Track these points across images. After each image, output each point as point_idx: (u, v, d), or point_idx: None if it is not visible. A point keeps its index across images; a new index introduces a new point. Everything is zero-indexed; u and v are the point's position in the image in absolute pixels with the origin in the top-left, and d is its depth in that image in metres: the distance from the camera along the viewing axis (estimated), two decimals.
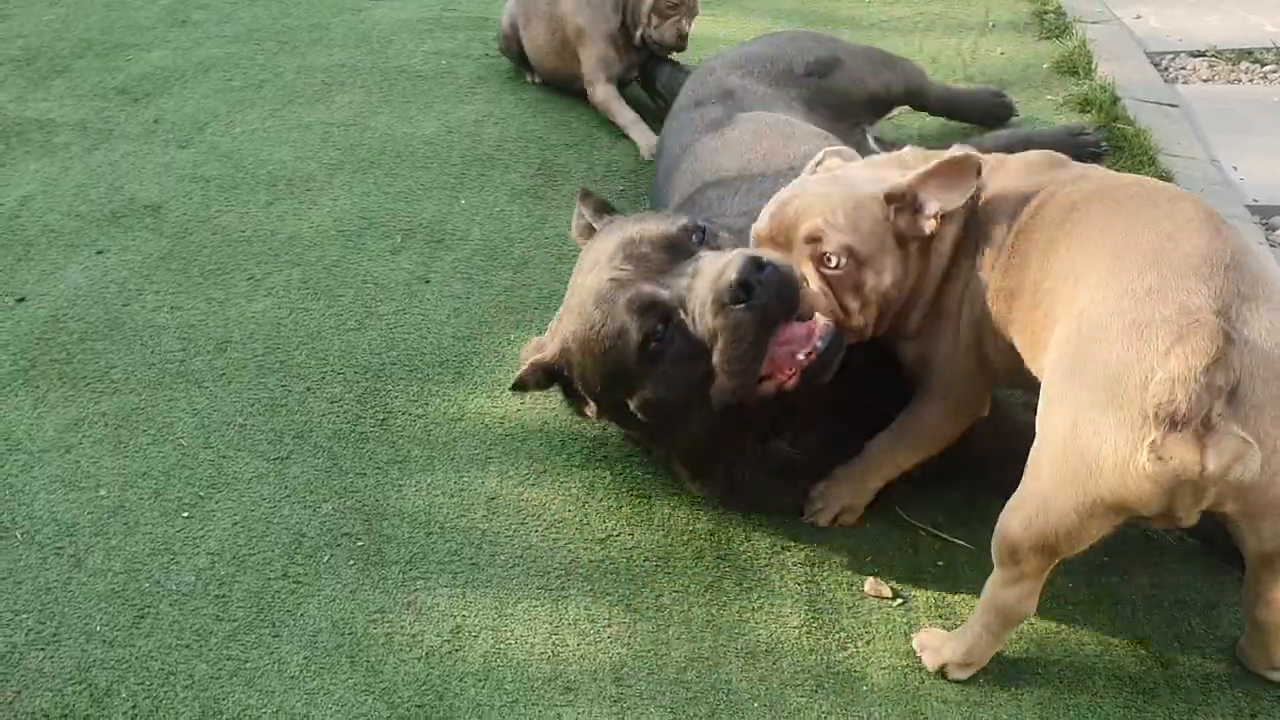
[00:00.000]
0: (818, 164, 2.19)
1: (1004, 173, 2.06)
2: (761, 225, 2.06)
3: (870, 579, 2.18)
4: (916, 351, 2.14)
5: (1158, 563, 2.20)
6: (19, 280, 3.09)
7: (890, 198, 1.99)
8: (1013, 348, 1.97)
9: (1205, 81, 3.98)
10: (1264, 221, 3.18)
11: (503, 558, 2.25)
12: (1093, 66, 3.99)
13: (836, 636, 2.08)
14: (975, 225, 2.03)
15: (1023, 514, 1.80)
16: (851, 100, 3.21)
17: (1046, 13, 4.52)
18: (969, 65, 4.12)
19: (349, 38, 4.51)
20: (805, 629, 2.09)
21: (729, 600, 2.15)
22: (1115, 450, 1.65)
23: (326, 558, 2.24)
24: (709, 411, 2.10)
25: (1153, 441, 1.61)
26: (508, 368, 2.71)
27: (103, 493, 2.41)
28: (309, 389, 2.68)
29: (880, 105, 3.37)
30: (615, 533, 2.30)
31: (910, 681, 2.00)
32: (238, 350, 2.81)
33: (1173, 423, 1.59)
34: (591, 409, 2.26)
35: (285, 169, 3.57)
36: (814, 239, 1.99)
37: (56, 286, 3.06)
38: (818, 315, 2.01)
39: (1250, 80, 3.97)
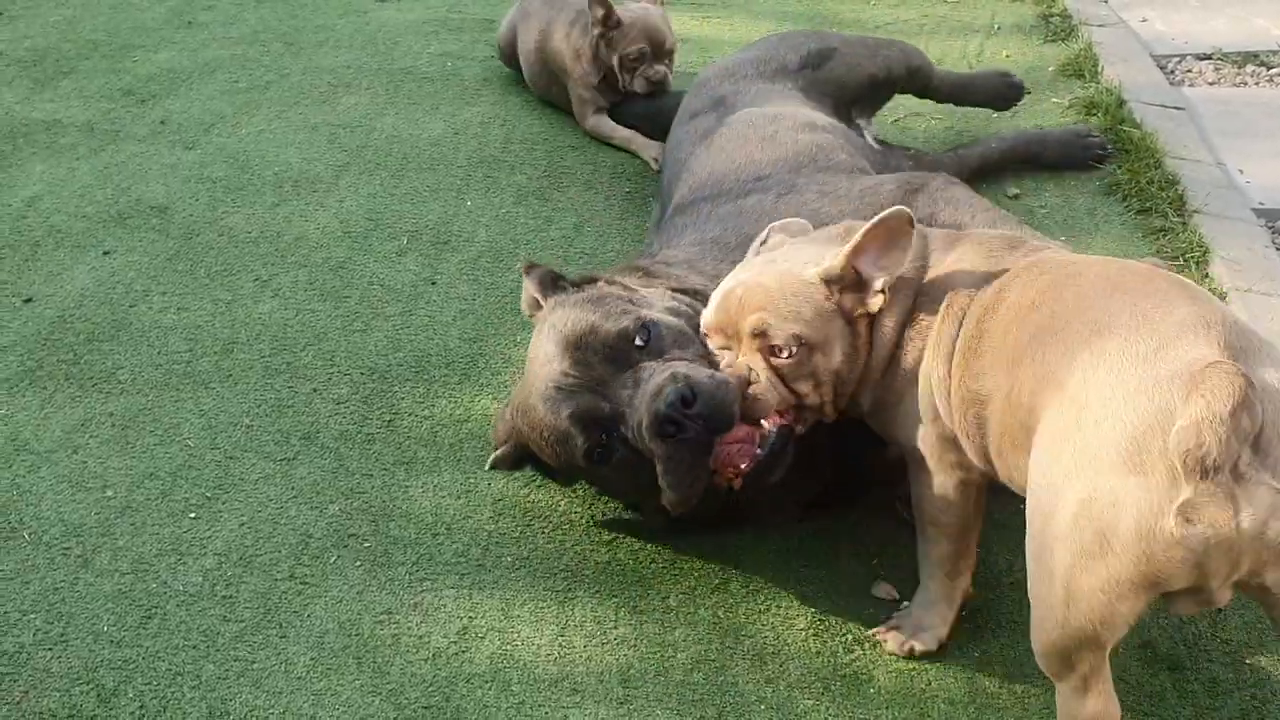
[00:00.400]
0: (762, 243, 2.15)
1: (957, 253, 1.99)
2: (708, 318, 2.05)
3: (877, 582, 2.18)
4: (881, 427, 2.08)
5: None
6: (26, 281, 3.10)
7: (828, 280, 1.94)
8: (984, 445, 1.88)
9: (1211, 84, 3.97)
10: (1270, 225, 3.17)
11: (509, 559, 2.25)
12: (1098, 69, 3.99)
13: (843, 639, 2.08)
14: (926, 304, 1.96)
15: (1051, 616, 1.67)
16: (849, 87, 3.16)
17: (1052, 15, 4.52)
18: (974, 68, 4.10)
19: (355, 39, 4.51)
20: (812, 631, 2.09)
21: (736, 602, 2.15)
22: (1138, 518, 1.53)
23: (333, 559, 2.25)
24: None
25: (1182, 503, 1.50)
26: (514, 370, 2.72)
27: (110, 493, 2.41)
28: (315, 390, 2.68)
29: (882, 88, 3.30)
30: (622, 535, 2.30)
31: (917, 684, 2.00)
32: (244, 351, 2.81)
33: (1203, 471, 1.48)
34: (560, 479, 2.32)
35: (292, 170, 3.58)
36: (760, 333, 1.96)
37: (63, 287, 3.06)
38: (767, 419, 1.99)
39: (1257, 83, 3.97)
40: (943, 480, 1.97)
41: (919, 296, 1.97)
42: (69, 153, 3.71)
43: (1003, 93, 3.57)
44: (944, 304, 1.93)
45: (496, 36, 4.16)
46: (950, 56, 4.19)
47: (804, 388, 1.98)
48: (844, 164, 2.70)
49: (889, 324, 1.97)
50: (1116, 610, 1.60)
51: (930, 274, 1.98)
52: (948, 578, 2.04)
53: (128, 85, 4.16)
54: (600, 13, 3.64)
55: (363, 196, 3.44)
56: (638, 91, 3.69)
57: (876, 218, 1.93)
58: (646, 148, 3.60)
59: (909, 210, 1.94)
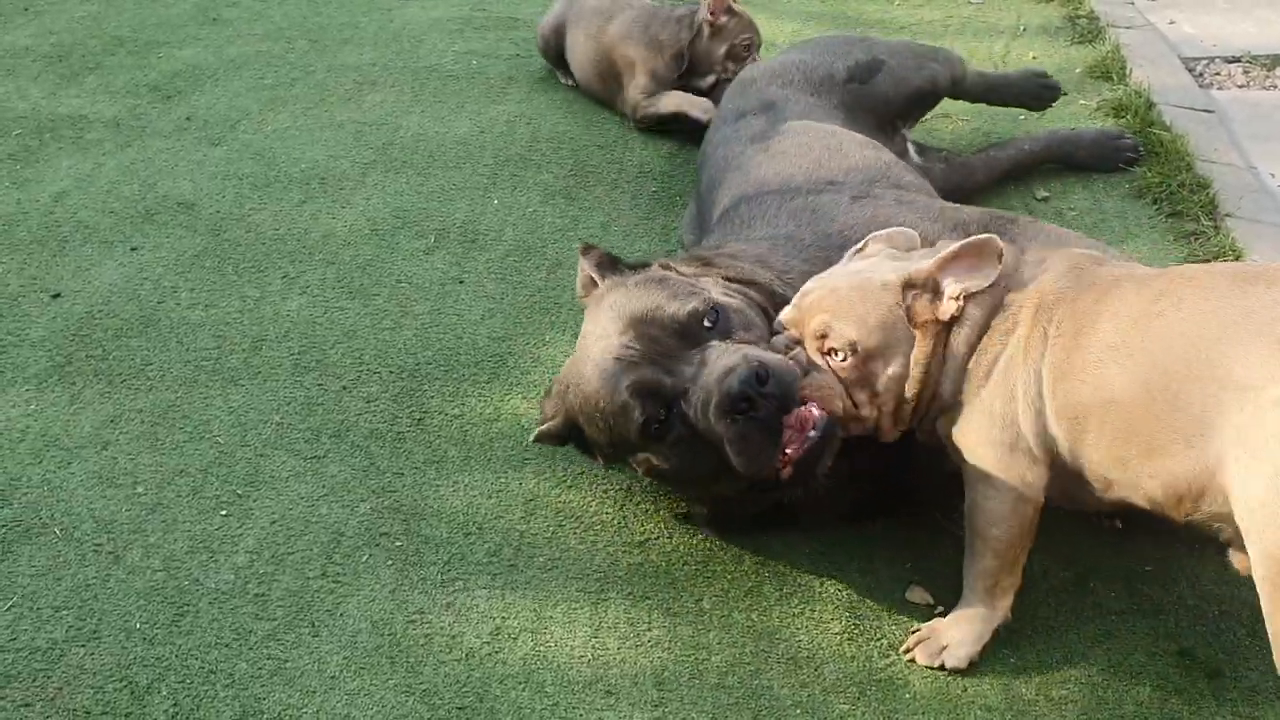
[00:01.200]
0: (857, 251, 2.15)
1: (1044, 267, 1.99)
2: (787, 314, 2.06)
3: (912, 587, 2.17)
4: (943, 437, 2.05)
5: (1199, 573, 2.18)
6: (54, 276, 3.10)
7: (909, 284, 1.96)
8: (1079, 457, 1.88)
9: (1241, 87, 3.95)
10: None
11: (541, 560, 2.24)
12: (1126, 72, 3.97)
13: (878, 644, 2.07)
14: (1007, 316, 1.95)
15: None
16: (894, 103, 3.16)
17: (1079, 17, 4.49)
18: (1001, 70, 4.09)
19: (380, 37, 4.51)
20: (847, 636, 2.08)
21: (770, 606, 2.14)
22: None
23: (365, 557, 2.24)
24: (714, 483, 2.11)
25: None
26: (543, 368, 2.71)
27: (140, 490, 2.41)
28: (345, 388, 2.68)
29: (926, 101, 3.31)
30: (654, 536, 2.29)
31: (952, 690, 1.99)
32: (273, 348, 2.81)
33: None
34: (600, 461, 2.29)
35: (318, 167, 3.58)
36: (821, 335, 1.97)
37: (91, 283, 3.06)
38: (812, 406, 1.98)
39: None
40: (1001, 496, 1.95)
41: (1000, 309, 1.96)
42: (95, 148, 3.72)
43: (1039, 94, 3.55)
44: (1031, 313, 1.92)
45: (538, 30, 4.14)
46: (976, 58, 4.16)
47: (861, 396, 1.97)
48: (912, 184, 2.70)
49: (963, 334, 1.96)
50: None
51: (1014, 288, 1.97)
52: (988, 594, 2.03)
53: (153, 81, 4.17)
54: (726, 5, 3.69)
55: (389, 194, 3.44)
56: (728, 79, 3.67)
57: (972, 238, 1.95)
58: (695, 105, 3.64)
59: (1000, 240, 1.95)
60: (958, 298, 1.95)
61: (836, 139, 2.79)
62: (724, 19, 3.72)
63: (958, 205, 2.59)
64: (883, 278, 1.98)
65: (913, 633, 2.07)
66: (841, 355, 1.96)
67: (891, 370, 1.96)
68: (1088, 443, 1.85)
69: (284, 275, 3.08)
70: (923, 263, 1.98)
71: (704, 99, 3.66)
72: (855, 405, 1.99)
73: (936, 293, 1.96)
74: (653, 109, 3.74)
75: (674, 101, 3.72)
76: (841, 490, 2.16)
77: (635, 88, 3.78)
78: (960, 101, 3.60)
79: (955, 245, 1.96)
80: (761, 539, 2.27)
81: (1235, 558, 1.98)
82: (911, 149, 3.19)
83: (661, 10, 3.87)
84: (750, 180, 2.71)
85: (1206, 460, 1.72)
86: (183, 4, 4.84)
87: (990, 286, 1.96)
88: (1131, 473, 1.83)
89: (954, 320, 1.96)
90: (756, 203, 2.61)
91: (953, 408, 1.99)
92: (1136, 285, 1.87)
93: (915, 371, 1.97)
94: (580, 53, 3.94)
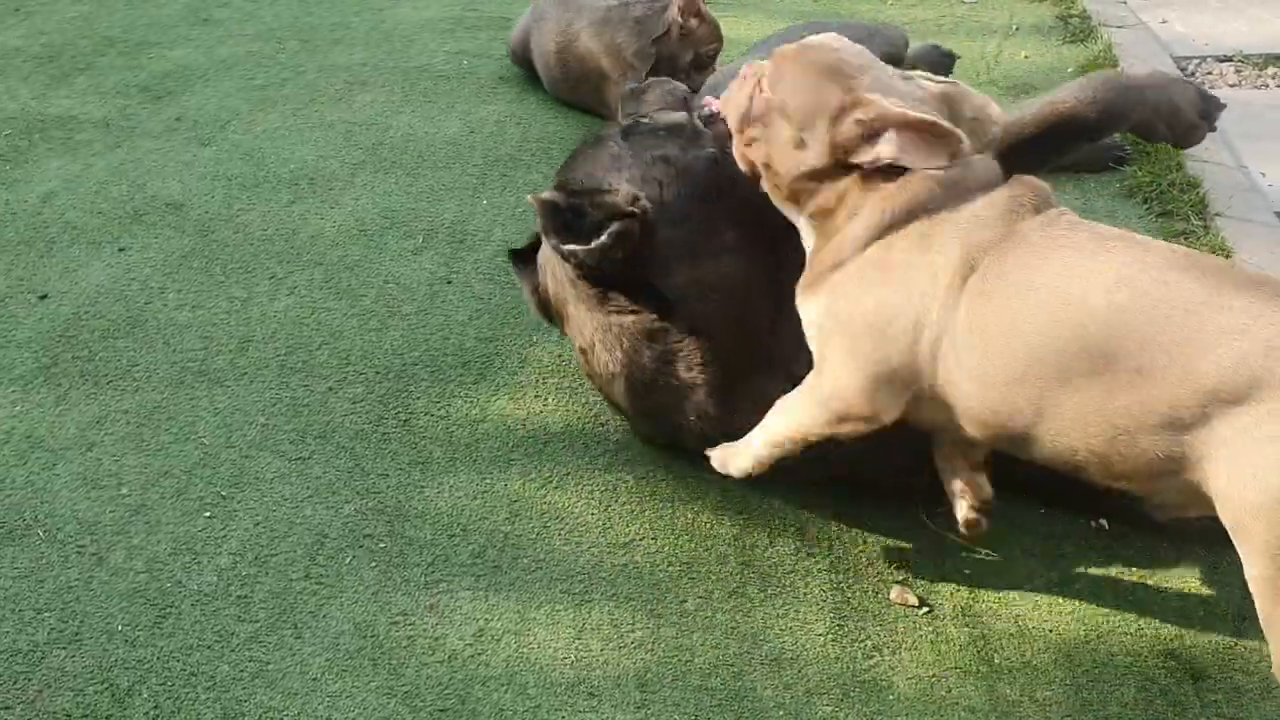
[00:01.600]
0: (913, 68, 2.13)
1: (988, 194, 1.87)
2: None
3: (896, 587, 2.16)
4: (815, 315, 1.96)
5: (1185, 573, 2.17)
6: (41, 277, 3.09)
7: (856, 103, 1.84)
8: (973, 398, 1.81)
9: (1232, 87, 3.94)
10: None
11: (525, 561, 2.23)
12: (1118, 70, 3.96)
13: (862, 645, 2.06)
14: (922, 226, 1.84)
15: None
16: None
17: (1071, 17, 4.49)
18: (993, 69, 4.09)
19: (371, 37, 4.50)
20: (830, 637, 2.07)
21: (753, 607, 2.14)
22: None
23: (349, 559, 2.23)
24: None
25: None
26: (531, 369, 2.70)
27: (124, 491, 2.40)
28: (331, 389, 2.67)
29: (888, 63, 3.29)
30: (638, 538, 2.28)
31: (937, 691, 1.98)
32: (259, 349, 2.80)
33: None
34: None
35: (307, 168, 3.57)
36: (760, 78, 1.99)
37: (78, 284, 3.06)
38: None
39: (1278, 85, 3.93)
40: (825, 405, 1.93)
41: (918, 214, 1.84)
42: (84, 149, 3.71)
43: (941, 61, 3.55)
44: (956, 248, 1.81)
45: (510, 39, 4.14)
46: (969, 57, 4.16)
47: (753, 132, 1.98)
48: None
49: (868, 220, 1.87)
50: None
51: (944, 202, 1.84)
52: (765, 444, 2.04)
53: (143, 82, 4.16)
54: (696, 8, 3.62)
55: (378, 194, 3.43)
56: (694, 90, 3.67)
57: (941, 124, 1.84)
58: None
59: (966, 142, 1.86)
60: (875, 160, 1.85)
61: None
62: (693, 22, 3.63)
63: None
64: (854, 80, 1.88)
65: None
66: (763, 91, 1.95)
67: (784, 139, 1.92)
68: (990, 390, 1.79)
69: (271, 276, 3.07)
70: (889, 101, 1.85)
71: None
72: (745, 140, 2.00)
73: (872, 136, 1.85)
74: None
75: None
76: (821, 459, 2.12)
77: (613, 93, 3.76)
78: None
79: (922, 117, 1.83)
80: (746, 542, 2.27)
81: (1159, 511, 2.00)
82: None
83: (616, 11, 3.73)
84: None
85: (1175, 452, 1.67)
86: (174, 4, 4.83)
87: (923, 185, 1.84)
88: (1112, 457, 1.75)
89: (865, 179, 1.88)
90: None
91: (828, 275, 1.91)
92: (1080, 243, 1.79)
93: (801, 170, 1.92)
94: (544, 60, 3.91)
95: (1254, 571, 1.64)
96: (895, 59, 3.28)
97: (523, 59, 4.04)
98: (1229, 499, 1.64)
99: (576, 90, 3.86)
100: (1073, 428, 1.74)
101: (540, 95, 4.02)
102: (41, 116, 3.91)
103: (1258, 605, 1.66)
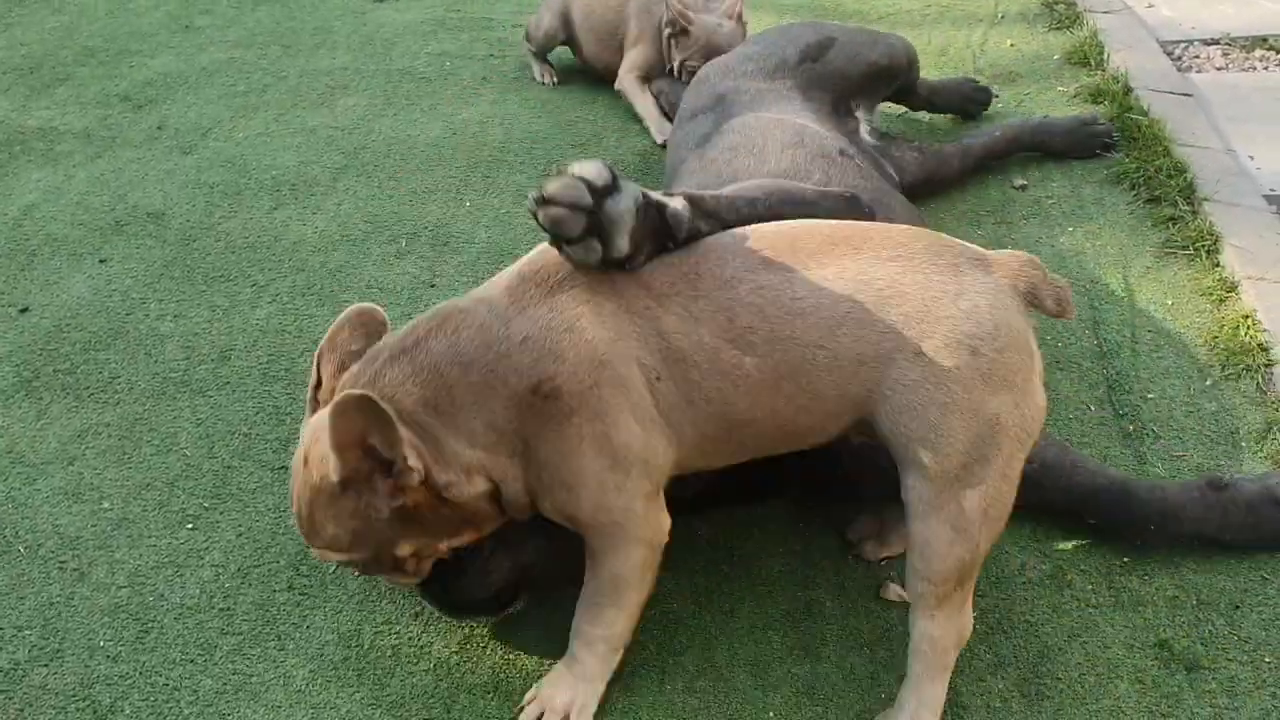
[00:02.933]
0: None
1: None
2: None
3: (886, 584, 2.14)
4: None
5: (1179, 564, 2.15)
6: (22, 290, 3.07)
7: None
8: None
9: (1219, 70, 3.92)
10: None
11: None
12: (1104, 57, 3.94)
13: (853, 643, 2.03)
14: None
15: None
16: (851, 77, 3.08)
17: (1057, 3, 4.47)
18: (979, 57, 4.07)
19: (352, 41, 4.48)
20: (819, 636, 2.05)
21: (739, 607, 2.11)
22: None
23: (332, 569, 2.21)
24: None
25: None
26: None
27: (106, 505, 2.38)
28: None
29: (883, 77, 3.23)
30: None
31: None
32: (241, 358, 2.78)
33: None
34: None
35: (289, 174, 3.55)
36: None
37: (59, 296, 3.03)
38: None
39: (1266, 68, 3.91)
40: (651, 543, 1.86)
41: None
42: (65, 160, 3.68)
43: (973, 96, 3.57)
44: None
45: (538, 26, 4.09)
46: (954, 46, 4.14)
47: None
48: (819, 181, 2.53)
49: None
50: None
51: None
52: (615, 653, 1.92)
53: (124, 91, 4.14)
54: (677, 19, 3.67)
55: (360, 199, 3.41)
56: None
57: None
58: (656, 123, 3.65)
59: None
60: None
61: (762, 139, 2.67)
62: (676, 32, 3.67)
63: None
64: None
65: (522, 708, 1.92)
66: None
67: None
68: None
69: (253, 284, 3.05)
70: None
71: (668, 126, 3.56)
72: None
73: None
74: (628, 91, 3.78)
75: (644, 105, 3.73)
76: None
77: (627, 62, 3.81)
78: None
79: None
80: (734, 545, 2.24)
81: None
82: (865, 130, 3.12)
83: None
84: (694, 185, 2.60)
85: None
86: (155, 13, 4.80)
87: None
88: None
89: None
90: None
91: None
92: None
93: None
94: (591, 24, 3.96)
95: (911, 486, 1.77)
96: (892, 71, 3.25)
97: (558, 31, 4.05)
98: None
99: (602, 54, 3.96)
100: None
101: (522, 95, 3.99)
102: (22, 128, 3.88)
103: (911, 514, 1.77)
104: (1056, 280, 1.79)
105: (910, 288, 1.72)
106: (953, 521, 1.73)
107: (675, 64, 3.72)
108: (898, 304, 1.72)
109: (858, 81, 3.12)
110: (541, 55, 4.11)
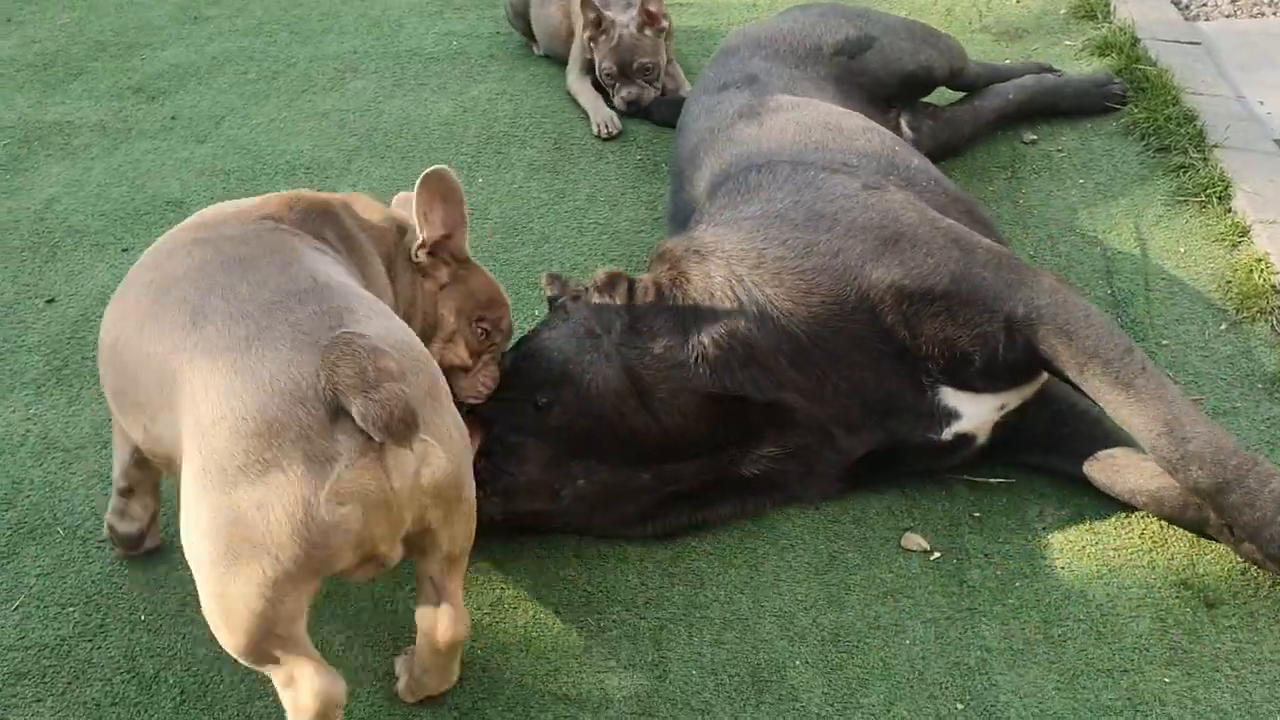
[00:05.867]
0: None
1: None
2: None
3: (906, 534, 2.17)
4: None
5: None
6: (48, 282, 3.12)
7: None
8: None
9: (1227, 17, 3.91)
10: None
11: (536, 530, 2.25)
12: (1111, 9, 3.93)
13: (875, 591, 2.07)
14: None
15: (223, 633, 1.65)
16: (883, 83, 3.02)
17: None
18: (985, 15, 4.06)
19: (360, 24, 4.50)
20: (842, 586, 2.09)
21: (763, 562, 2.15)
22: (289, 514, 1.52)
23: None
24: None
25: (332, 486, 1.53)
26: None
27: None
28: None
29: (919, 86, 3.15)
30: None
31: (950, 633, 1.99)
32: None
33: (363, 444, 1.54)
34: None
35: (304, 158, 3.58)
36: None
37: (84, 286, 3.09)
38: None
39: (1274, 13, 3.89)
40: None
41: None
42: (83, 153, 3.73)
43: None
44: None
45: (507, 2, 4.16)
46: (960, 4, 4.13)
47: None
48: (918, 174, 2.49)
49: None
50: (283, 608, 1.60)
51: None
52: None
53: (137, 83, 4.18)
54: (591, 16, 3.68)
55: (375, 180, 3.44)
56: (621, 110, 3.66)
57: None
58: (597, 113, 3.63)
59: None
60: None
61: (834, 118, 2.62)
62: (597, 31, 3.69)
63: (958, 225, 2.27)
64: None
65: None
66: None
67: None
68: None
69: None
70: None
71: (608, 113, 3.61)
72: None
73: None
74: (573, 89, 3.80)
75: (587, 99, 3.72)
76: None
77: (571, 59, 3.86)
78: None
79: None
80: None
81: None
82: (905, 124, 3.12)
83: None
84: (759, 149, 2.53)
85: None
86: (164, 4, 4.84)
87: None
88: None
89: None
90: (768, 171, 2.43)
91: None
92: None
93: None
94: (551, 17, 3.97)
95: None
96: (930, 82, 3.17)
97: (522, 14, 4.10)
98: None
99: (565, 42, 3.95)
100: None
101: (530, 71, 4.02)
102: (39, 123, 3.93)
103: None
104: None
105: None
106: None
107: (597, 67, 3.72)
108: None
109: (891, 87, 3.06)
110: (520, 30, 4.17)
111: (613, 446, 2.12)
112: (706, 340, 2.13)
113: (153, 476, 2.15)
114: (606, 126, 3.55)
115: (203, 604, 1.65)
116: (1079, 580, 2.06)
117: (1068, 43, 3.80)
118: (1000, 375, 2.13)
